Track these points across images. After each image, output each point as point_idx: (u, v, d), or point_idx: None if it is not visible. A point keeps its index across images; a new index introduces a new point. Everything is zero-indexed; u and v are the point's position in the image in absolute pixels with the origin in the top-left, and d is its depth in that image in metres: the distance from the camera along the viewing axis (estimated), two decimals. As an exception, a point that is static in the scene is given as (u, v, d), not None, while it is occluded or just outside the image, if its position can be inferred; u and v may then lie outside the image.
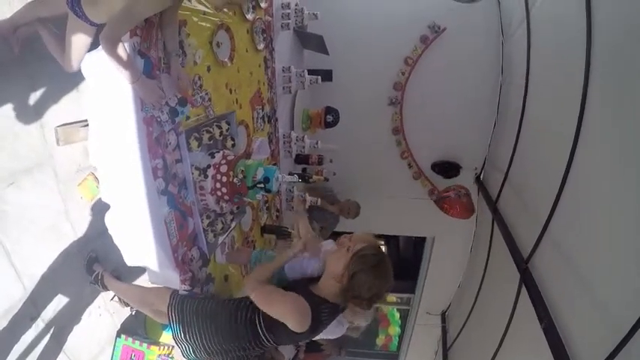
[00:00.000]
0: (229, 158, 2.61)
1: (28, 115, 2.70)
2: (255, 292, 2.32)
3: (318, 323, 2.22)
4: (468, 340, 5.77)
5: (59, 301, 3.04)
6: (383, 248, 10.52)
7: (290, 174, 2.85)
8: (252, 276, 2.43)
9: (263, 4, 3.59)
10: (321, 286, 2.32)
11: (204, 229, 2.68)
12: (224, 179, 2.53)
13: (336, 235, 3.20)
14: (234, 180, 2.53)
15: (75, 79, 2.36)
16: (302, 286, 2.35)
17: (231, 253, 3.09)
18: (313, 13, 4.57)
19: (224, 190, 2.55)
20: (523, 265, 3.67)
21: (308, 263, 2.60)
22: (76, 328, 3.19)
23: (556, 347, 2.78)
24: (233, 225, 3.00)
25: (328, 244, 2.69)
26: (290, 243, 2.98)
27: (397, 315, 9.40)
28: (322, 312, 2.23)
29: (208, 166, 2.57)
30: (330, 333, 3.38)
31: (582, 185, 3.04)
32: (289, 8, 4.29)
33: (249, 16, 3.31)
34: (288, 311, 2.19)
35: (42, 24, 2.44)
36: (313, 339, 2.80)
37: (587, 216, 2.93)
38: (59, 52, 2.44)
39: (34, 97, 2.74)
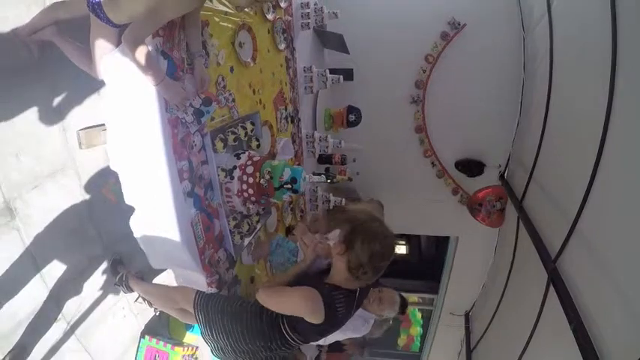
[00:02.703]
0: (255, 159, 2.59)
1: (50, 119, 2.72)
2: (262, 296, 2.31)
3: (334, 311, 2.16)
4: (493, 341, 5.67)
5: (83, 303, 3.06)
6: (403, 248, 10.47)
7: (314, 174, 2.82)
8: (263, 287, 2.40)
9: (283, 4, 3.57)
10: (332, 274, 2.28)
11: (230, 230, 2.67)
12: (250, 180, 2.52)
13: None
14: (261, 181, 2.51)
15: (96, 81, 2.35)
16: (313, 279, 2.33)
17: (255, 249, 3.08)
18: (333, 12, 4.53)
19: (250, 191, 2.54)
20: (551, 264, 3.59)
21: (318, 260, 2.56)
22: (100, 329, 3.21)
23: (586, 349, 2.71)
24: (259, 226, 2.99)
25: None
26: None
27: (419, 315, 9.35)
28: (336, 298, 2.18)
29: (234, 168, 2.56)
30: (355, 331, 3.37)
31: (612, 180, 2.94)
32: (309, 7, 4.27)
33: (270, 16, 3.30)
34: (298, 303, 2.17)
35: (60, 36, 2.45)
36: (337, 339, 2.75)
37: (618, 212, 2.83)
38: (84, 62, 2.44)
39: (55, 101, 2.75)
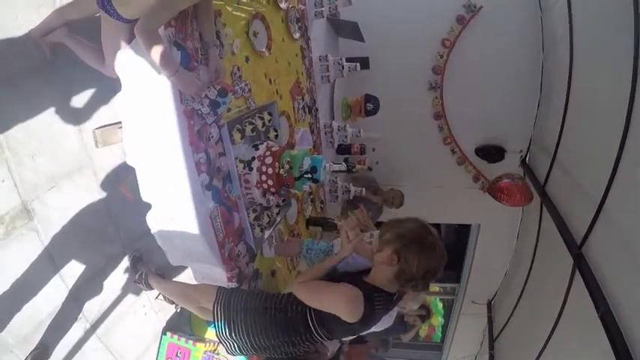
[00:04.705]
0: (274, 149, 2.55)
1: (66, 118, 2.70)
2: (299, 288, 2.26)
3: (371, 312, 2.10)
4: (516, 330, 5.61)
5: (104, 302, 3.05)
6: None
7: (334, 163, 2.79)
8: (299, 280, 2.36)
9: (296, -8, 3.52)
10: (374, 275, 2.21)
11: (250, 223, 2.63)
12: (269, 171, 2.48)
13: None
14: (280, 171, 2.47)
15: (110, 79, 2.34)
16: (353, 276, 2.26)
17: (280, 245, 3.05)
18: (347, -1, 4.48)
19: (270, 182, 2.50)
20: (576, 250, 3.52)
21: (359, 258, 2.48)
22: (122, 327, 3.21)
23: (614, 336, 2.64)
24: (279, 218, 2.95)
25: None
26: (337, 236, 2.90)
27: (440, 305, 9.28)
28: (376, 300, 2.11)
29: (253, 159, 2.52)
30: (379, 324, 3.33)
31: (639, 161, 2.87)
32: (322, -5, 4.20)
33: (283, 5, 3.24)
34: (337, 300, 2.10)
35: (72, 36, 2.44)
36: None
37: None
38: (96, 62, 2.43)
39: (70, 101, 2.74)
